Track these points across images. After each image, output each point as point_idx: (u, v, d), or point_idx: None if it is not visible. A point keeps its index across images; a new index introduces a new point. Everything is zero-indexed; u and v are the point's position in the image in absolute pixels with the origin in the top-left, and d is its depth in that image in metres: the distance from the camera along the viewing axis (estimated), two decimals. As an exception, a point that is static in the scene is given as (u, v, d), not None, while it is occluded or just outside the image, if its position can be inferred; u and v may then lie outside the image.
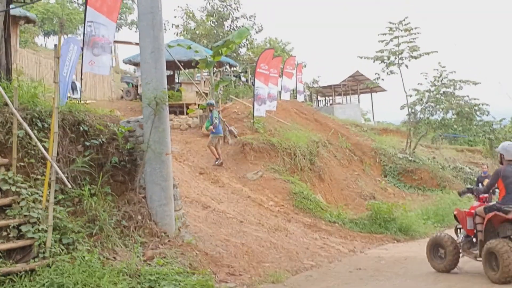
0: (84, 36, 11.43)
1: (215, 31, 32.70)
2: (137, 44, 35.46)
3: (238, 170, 16.96)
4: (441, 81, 29.35)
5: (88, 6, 11.39)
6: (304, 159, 19.30)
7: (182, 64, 24.56)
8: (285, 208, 14.76)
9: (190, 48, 20.56)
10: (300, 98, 34.57)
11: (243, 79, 34.03)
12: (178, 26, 34.53)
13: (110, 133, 9.46)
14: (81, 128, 9.03)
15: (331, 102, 46.28)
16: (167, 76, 27.42)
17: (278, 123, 22.83)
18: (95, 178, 8.97)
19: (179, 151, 18.83)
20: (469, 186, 10.43)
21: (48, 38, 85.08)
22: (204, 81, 25.54)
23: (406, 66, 30.76)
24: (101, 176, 8.96)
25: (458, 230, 9.77)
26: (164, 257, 8.44)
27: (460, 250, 9.29)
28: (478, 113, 28.84)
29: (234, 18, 33.55)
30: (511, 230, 8.33)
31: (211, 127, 17.40)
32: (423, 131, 31.16)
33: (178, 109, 24.60)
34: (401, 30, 30.33)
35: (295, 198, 15.35)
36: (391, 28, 30.54)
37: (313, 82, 43.25)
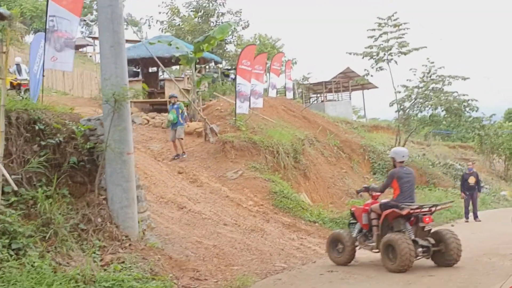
0: (46, 31, 10.96)
1: (200, 27, 32.18)
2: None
3: (218, 169, 16.51)
4: (430, 77, 28.95)
5: (49, 0, 10.92)
6: (288, 157, 18.86)
7: (166, 60, 24.13)
8: (264, 207, 14.33)
9: (171, 44, 20.11)
10: (289, 95, 34.10)
11: (232, 76, 33.50)
12: (162, 22, 34.05)
13: (68, 132, 9.01)
14: (37, 127, 8.58)
15: (322, 99, 45.81)
16: (151, 73, 27.13)
17: (263, 121, 22.43)
18: (52, 179, 8.55)
19: (159, 149, 18.43)
20: (365, 185, 11.47)
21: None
22: (188, 78, 25.04)
23: (396, 62, 30.41)
24: (58, 178, 8.52)
25: (351, 225, 10.67)
26: (123, 262, 8.01)
27: (357, 244, 10.19)
28: (467, 109, 28.45)
29: (220, 14, 33.06)
30: (404, 225, 9.49)
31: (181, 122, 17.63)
32: (413, 128, 30.79)
33: (159, 107, 24.18)
34: (390, 26, 29.96)
35: (275, 197, 14.88)
36: (380, 24, 30.17)
37: (303, 79, 42.74)
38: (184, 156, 17.58)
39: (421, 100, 28.77)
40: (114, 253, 8.35)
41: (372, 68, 31.02)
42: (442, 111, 28.68)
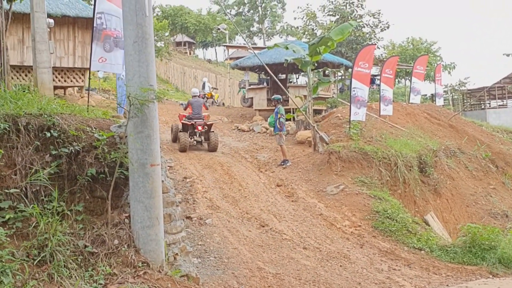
0: (93, 30, 10.07)
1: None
2: (249, 48, 33.87)
3: (319, 182, 14.70)
4: None
5: (97, -4, 10.05)
6: (410, 170, 16.52)
7: (295, 67, 22.79)
8: (361, 229, 12.27)
9: (287, 48, 18.68)
10: (439, 101, 31.04)
11: (377, 82, 31.27)
12: (297, 27, 32.56)
13: (90, 140, 7.94)
14: (49, 134, 7.59)
15: (482, 107, 41.51)
16: (280, 80, 25.94)
17: (391, 129, 20.15)
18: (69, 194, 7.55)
19: (266, 159, 17.10)
20: (182, 102, 22.23)
21: (206, 49, 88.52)
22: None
23: None
24: (72, 192, 7.51)
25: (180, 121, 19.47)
26: (125, 296, 6.72)
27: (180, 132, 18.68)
28: None
29: (358, 16, 30.82)
30: (191, 129, 18.34)
31: (278, 128, 16.94)
32: None
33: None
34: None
35: (376, 217, 12.69)
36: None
37: (459, 84, 38.93)
38: (288, 164, 16.20)
39: None
40: (123, 282, 7.07)
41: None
42: None
